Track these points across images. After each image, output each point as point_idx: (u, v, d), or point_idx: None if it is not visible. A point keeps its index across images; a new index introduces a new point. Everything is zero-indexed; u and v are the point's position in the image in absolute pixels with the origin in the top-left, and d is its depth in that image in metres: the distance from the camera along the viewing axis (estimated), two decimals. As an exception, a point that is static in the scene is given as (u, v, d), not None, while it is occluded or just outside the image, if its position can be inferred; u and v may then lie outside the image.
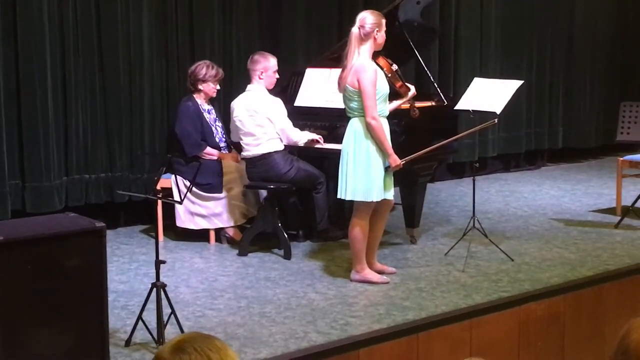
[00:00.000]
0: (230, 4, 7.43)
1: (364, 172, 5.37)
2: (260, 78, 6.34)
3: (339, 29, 7.96)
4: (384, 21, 5.43)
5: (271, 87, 6.41)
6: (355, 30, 5.37)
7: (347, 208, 6.15)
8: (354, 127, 5.41)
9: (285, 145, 6.35)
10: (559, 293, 5.43)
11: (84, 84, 6.70)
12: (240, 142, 6.41)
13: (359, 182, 5.38)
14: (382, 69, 5.58)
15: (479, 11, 9.20)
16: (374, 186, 5.38)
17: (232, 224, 6.55)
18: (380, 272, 5.66)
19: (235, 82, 7.48)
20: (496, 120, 5.98)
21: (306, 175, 6.36)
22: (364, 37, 5.36)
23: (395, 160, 5.42)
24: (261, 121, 6.26)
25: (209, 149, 6.58)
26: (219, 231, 6.60)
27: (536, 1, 9.79)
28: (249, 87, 6.41)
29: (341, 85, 5.45)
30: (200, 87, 6.63)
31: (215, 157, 6.58)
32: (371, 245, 5.66)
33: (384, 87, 5.40)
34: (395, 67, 5.73)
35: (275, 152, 6.28)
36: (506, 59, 9.51)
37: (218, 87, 6.70)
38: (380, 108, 5.37)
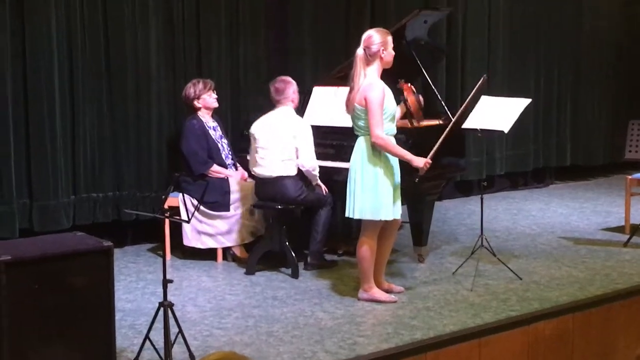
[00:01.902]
0: (237, 21, 7.46)
1: (371, 191, 5.35)
2: (293, 101, 6.32)
3: (346, 47, 7.95)
4: (390, 38, 5.39)
5: (297, 105, 6.39)
6: (360, 52, 5.34)
7: (355, 227, 6.14)
8: (362, 146, 5.40)
9: (298, 170, 6.27)
10: (568, 312, 5.41)
11: (91, 103, 6.73)
12: (255, 155, 6.31)
13: (367, 200, 5.36)
14: (406, 100, 5.58)
15: (486, 29, 9.22)
16: (382, 205, 5.36)
17: (239, 242, 6.54)
18: (388, 291, 5.65)
19: (243, 97, 7.51)
20: (485, 76, 5.93)
21: (315, 198, 6.32)
22: (370, 58, 5.33)
23: (420, 161, 5.40)
24: (283, 138, 6.16)
25: (216, 167, 6.59)
26: (226, 249, 6.59)
27: (543, 18, 9.80)
28: (277, 109, 6.29)
29: (349, 107, 5.43)
30: (198, 104, 6.66)
31: (223, 175, 6.58)
32: (379, 264, 5.64)
33: (391, 106, 5.38)
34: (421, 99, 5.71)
35: (288, 176, 6.20)
36: (513, 77, 9.51)
37: (215, 95, 6.71)
38: (388, 127, 5.35)
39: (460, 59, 9.02)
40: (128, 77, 6.86)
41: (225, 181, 6.55)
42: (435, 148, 5.60)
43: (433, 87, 6.72)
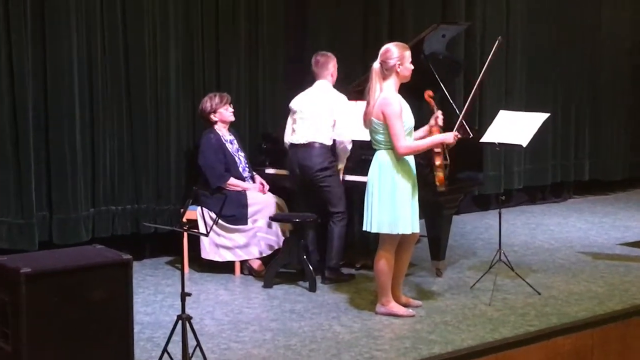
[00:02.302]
0: (257, 41, 7.49)
1: (389, 205, 5.35)
2: (332, 76, 6.49)
3: (364, 61, 7.98)
4: (407, 53, 5.39)
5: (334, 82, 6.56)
6: (376, 65, 5.35)
7: (373, 240, 6.14)
8: (379, 160, 5.40)
9: (332, 149, 6.39)
10: (587, 327, 5.39)
11: (111, 117, 6.76)
12: (293, 125, 6.47)
13: (384, 214, 5.36)
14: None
15: (504, 43, 9.20)
16: (400, 218, 5.36)
17: (256, 255, 6.55)
18: (405, 305, 5.64)
19: (261, 116, 7.53)
20: (500, 38, 5.95)
21: (332, 191, 6.33)
22: (386, 72, 5.34)
23: (450, 136, 5.45)
24: (321, 111, 6.34)
25: (233, 180, 6.60)
26: (244, 263, 6.60)
27: (562, 32, 9.78)
28: (317, 83, 6.50)
29: (366, 121, 5.44)
30: (214, 118, 6.70)
31: (240, 188, 6.60)
32: (396, 278, 5.64)
33: (409, 120, 5.38)
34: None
35: (321, 144, 6.33)
36: (531, 91, 9.50)
37: (231, 109, 6.75)
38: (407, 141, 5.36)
39: (478, 74, 8.98)
40: (147, 91, 6.89)
41: (242, 195, 6.57)
42: (461, 116, 5.70)
43: (451, 101, 6.72)
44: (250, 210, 6.56)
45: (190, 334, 4.48)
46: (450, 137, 5.47)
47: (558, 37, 9.75)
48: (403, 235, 5.43)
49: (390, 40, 5.84)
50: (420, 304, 5.74)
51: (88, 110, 6.64)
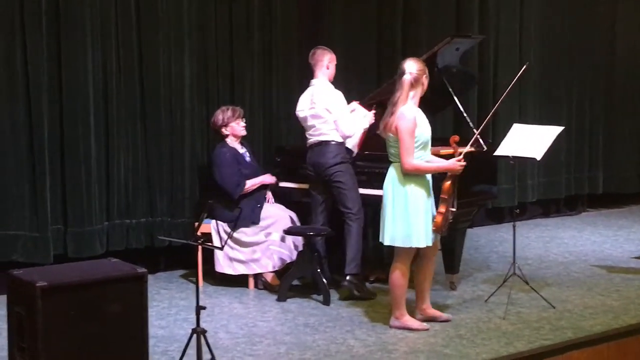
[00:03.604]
0: (270, 52, 7.52)
1: (402, 218, 5.35)
2: (327, 68, 6.51)
3: (378, 76, 8.03)
4: (426, 67, 5.49)
5: (332, 79, 6.55)
6: (407, 77, 5.37)
7: (386, 253, 6.14)
8: (393, 173, 5.41)
9: (346, 146, 6.47)
10: (602, 341, 5.37)
11: (125, 131, 6.80)
12: (305, 133, 6.55)
13: (398, 227, 5.36)
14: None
15: (518, 56, 9.21)
16: (413, 232, 5.35)
17: (270, 269, 6.55)
18: (432, 318, 5.63)
19: (275, 127, 7.55)
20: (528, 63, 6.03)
21: (344, 189, 6.32)
22: (414, 83, 5.38)
23: (455, 164, 5.41)
24: (320, 112, 6.38)
25: (248, 183, 6.59)
26: (258, 276, 6.61)
27: (575, 46, 9.78)
28: (312, 81, 6.54)
29: (385, 130, 5.46)
30: (226, 131, 6.70)
31: (259, 183, 6.64)
32: (422, 290, 5.64)
33: (425, 133, 5.38)
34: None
35: (334, 141, 6.38)
36: (545, 104, 9.49)
37: (243, 123, 6.76)
38: (420, 155, 5.36)
39: (492, 88, 9.00)
40: (161, 104, 6.92)
41: (259, 195, 6.64)
42: (470, 143, 5.66)
43: (465, 114, 6.72)
44: (263, 223, 6.57)
45: (205, 348, 4.50)
46: (456, 167, 5.43)
47: (572, 48, 9.74)
48: (420, 247, 5.42)
49: (404, 50, 5.87)
50: (450, 318, 5.69)
51: (103, 124, 6.68)
